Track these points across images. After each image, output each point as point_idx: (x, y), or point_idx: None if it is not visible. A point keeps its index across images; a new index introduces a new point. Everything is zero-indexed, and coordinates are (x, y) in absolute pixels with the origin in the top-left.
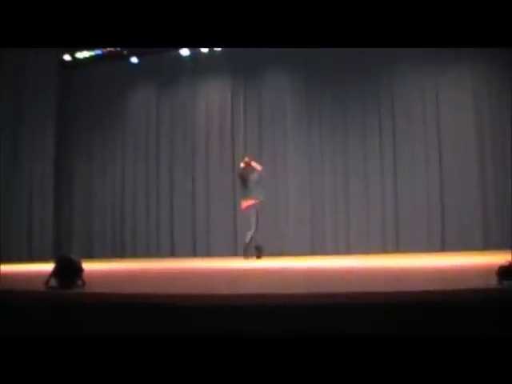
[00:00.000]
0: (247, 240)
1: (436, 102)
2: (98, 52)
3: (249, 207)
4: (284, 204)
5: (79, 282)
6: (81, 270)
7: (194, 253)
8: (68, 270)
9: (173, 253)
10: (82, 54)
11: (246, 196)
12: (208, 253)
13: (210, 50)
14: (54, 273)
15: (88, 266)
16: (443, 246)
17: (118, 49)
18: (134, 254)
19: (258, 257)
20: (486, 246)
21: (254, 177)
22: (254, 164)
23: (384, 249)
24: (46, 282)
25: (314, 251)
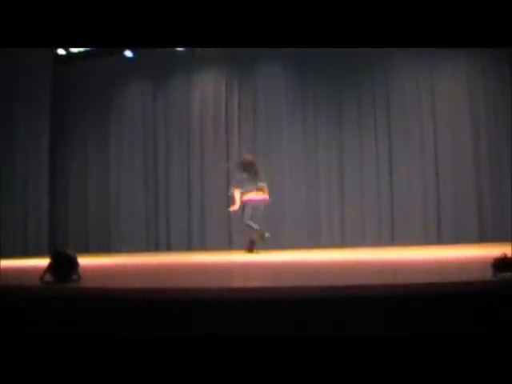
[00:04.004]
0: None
1: (432, 95)
2: None
3: (258, 200)
4: (279, 197)
5: (75, 277)
6: (76, 264)
7: (189, 246)
8: (63, 265)
9: (168, 246)
10: (75, 49)
11: (254, 189)
12: (203, 246)
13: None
14: (50, 267)
15: (83, 261)
16: (439, 239)
17: None
18: (130, 249)
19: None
20: (482, 238)
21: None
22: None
23: (380, 241)
24: (42, 277)
25: (309, 244)
